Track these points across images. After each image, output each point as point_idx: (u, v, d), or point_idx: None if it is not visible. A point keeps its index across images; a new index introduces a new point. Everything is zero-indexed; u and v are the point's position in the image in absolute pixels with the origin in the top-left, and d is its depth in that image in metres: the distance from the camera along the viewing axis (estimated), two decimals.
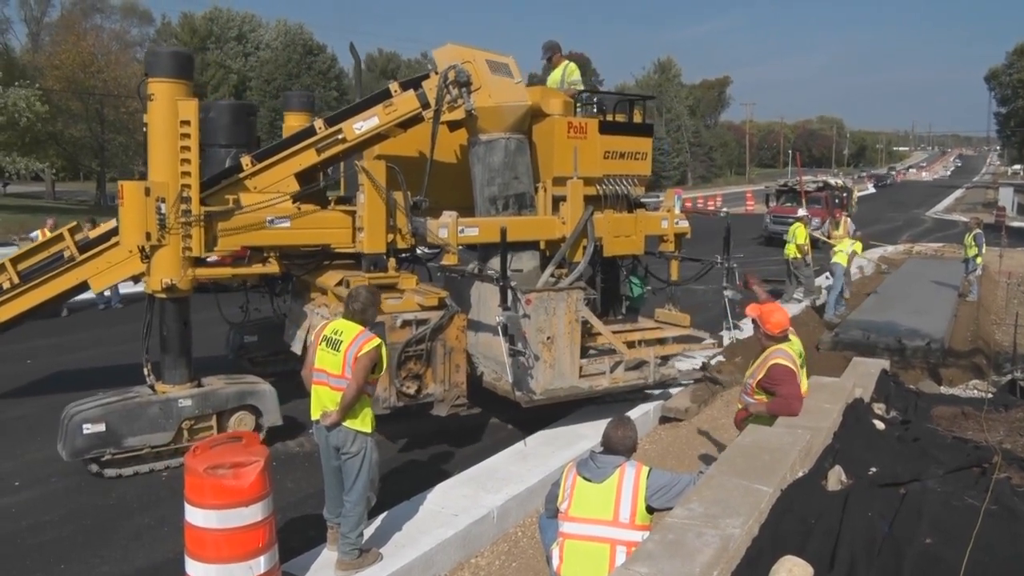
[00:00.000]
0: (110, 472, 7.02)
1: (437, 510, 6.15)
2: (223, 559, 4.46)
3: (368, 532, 5.69)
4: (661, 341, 9.01)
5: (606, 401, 8.98)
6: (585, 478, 4.34)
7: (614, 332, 8.54)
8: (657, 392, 9.38)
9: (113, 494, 6.80)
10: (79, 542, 5.99)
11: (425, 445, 8.03)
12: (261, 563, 4.53)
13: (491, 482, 6.73)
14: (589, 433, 7.92)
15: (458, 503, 6.29)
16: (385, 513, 6.06)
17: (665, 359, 8.81)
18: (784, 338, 5.81)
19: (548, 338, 7.62)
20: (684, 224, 9.63)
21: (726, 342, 11.24)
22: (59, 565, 5.67)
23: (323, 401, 5.29)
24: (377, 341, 5.28)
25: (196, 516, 4.48)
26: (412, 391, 6.95)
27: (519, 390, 7.57)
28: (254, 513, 4.50)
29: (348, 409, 5.16)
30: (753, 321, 5.92)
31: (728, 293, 9.56)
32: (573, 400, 8.24)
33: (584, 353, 8.16)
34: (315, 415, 5.34)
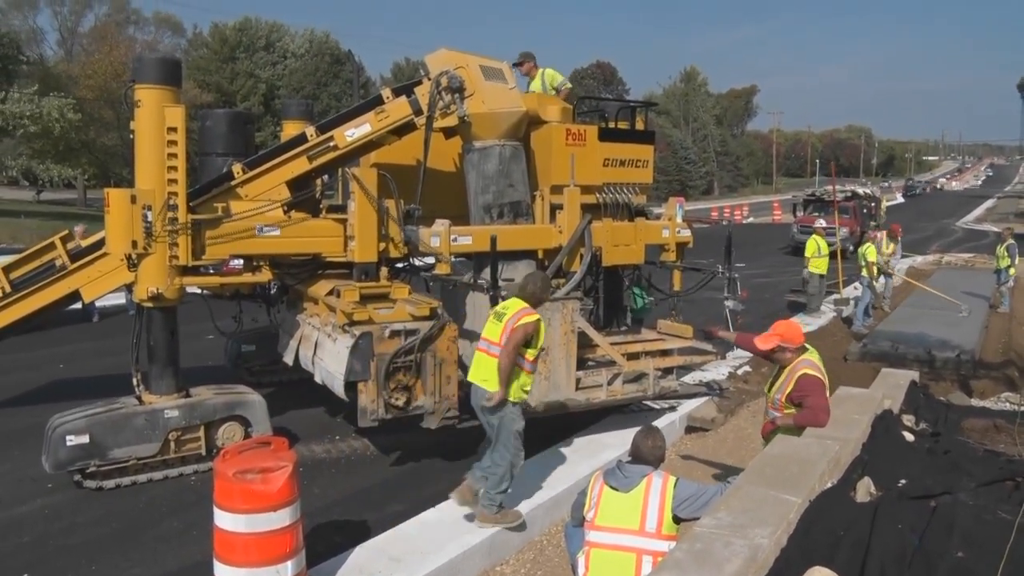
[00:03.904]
0: (89, 484, 6.87)
1: (463, 517, 6.15)
2: (251, 563, 4.50)
3: (394, 539, 5.73)
4: (664, 353, 8.79)
5: (632, 410, 8.95)
6: (612, 487, 4.33)
7: (614, 344, 8.36)
8: (684, 401, 9.32)
9: (143, 497, 6.88)
10: (109, 544, 6.06)
11: (452, 453, 8.03)
12: (288, 567, 4.57)
13: (517, 490, 6.70)
14: (614, 442, 7.89)
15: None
16: (412, 519, 6.09)
17: (666, 371, 8.61)
18: (805, 348, 5.74)
19: (543, 349, 7.48)
20: (686, 233, 9.42)
21: (729, 353, 11.10)
22: (90, 567, 5.74)
23: (479, 365, 5.96)
24: (536, 316, 5.90)
25: (225, 520, 4.52)
26: (401, 403, 6.82)
27: None
28: (282, 518, 4.54)
29: (505, 377, 5.74)
30: (777, 348, 5.71)
31: (729, 303, 9.44)
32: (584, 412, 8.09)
33: (582, 365, 7.99)
34: (471, 377, 6.04)
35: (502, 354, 5.74)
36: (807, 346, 5.79)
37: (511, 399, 5.87)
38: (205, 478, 6.93)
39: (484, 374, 5.91)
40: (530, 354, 5.92)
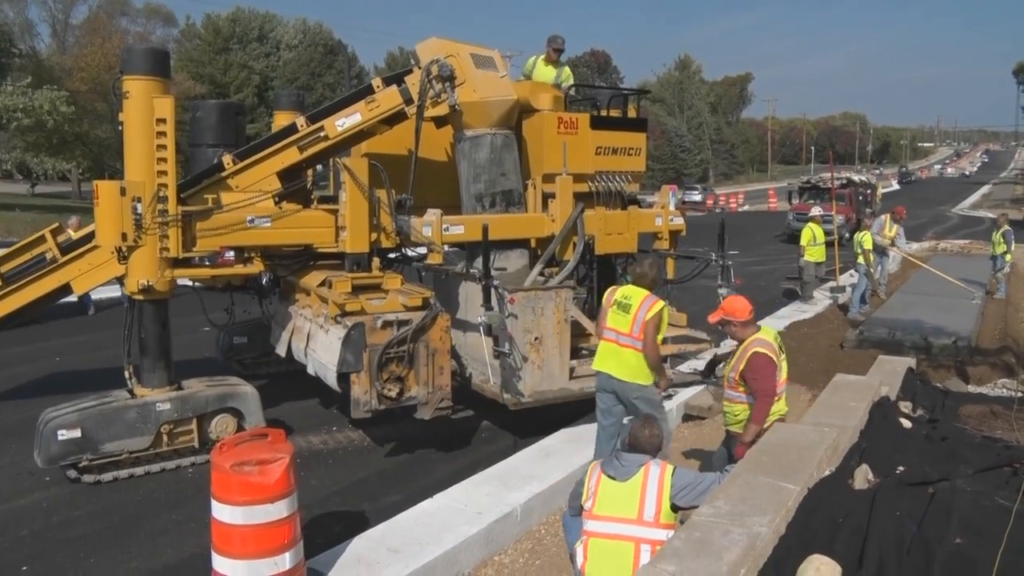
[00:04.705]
0: (88, 478, 6.85)
1: (460, 508, 6.15)
2: (249, 555, 4.49)
3: (392, 529, 5.73)
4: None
5: None
6: (609, 476, 4.33)
7: None
8: (680, 390, 9.31)
9: (140, 490, 6.87)
10: (107, 537, 6.06)
11: (448, 443, 8.04)
12: (287, 559, 4.56)
13: (514, 480, 6.72)
14: None
15: (482, 501, 6.29)
16: (409, 510, 6.08)
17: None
18: (757, 326, 5.75)
19: (536, 339, 7.40)
20: (679, 221, 9.39)
21: (722, 342, 11.09)
22: (88, 560, 5.73)
23: (609, 355, 6.31)
24: (661, 304, 6.27)
25: (222, 512, 4.51)
26: (394, 394, 6.81)
27: (507, 392, 7.40)
28: (280, 509, 4.52)
29: (657, 368, 6.29)
30: (722, 322, 5.82)
31: (723, 291, 9.42)
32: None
33: (576, 354, 7.93)
34: (598, 366, 6.48)
35: (647, 349, 6.16)
36: (759, 325, 5.82)
37: (646, 383, 6.31)
38: (203, 470, 6.91)
39: (614, 363, 6.32)
40: (659, 339, 6.33)
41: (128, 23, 48.64)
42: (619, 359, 6.29)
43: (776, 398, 5.55)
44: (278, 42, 56.43)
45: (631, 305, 6.25)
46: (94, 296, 13.65)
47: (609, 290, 6.69)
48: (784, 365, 5.71)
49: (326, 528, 6.07)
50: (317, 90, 50.43)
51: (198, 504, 6.13)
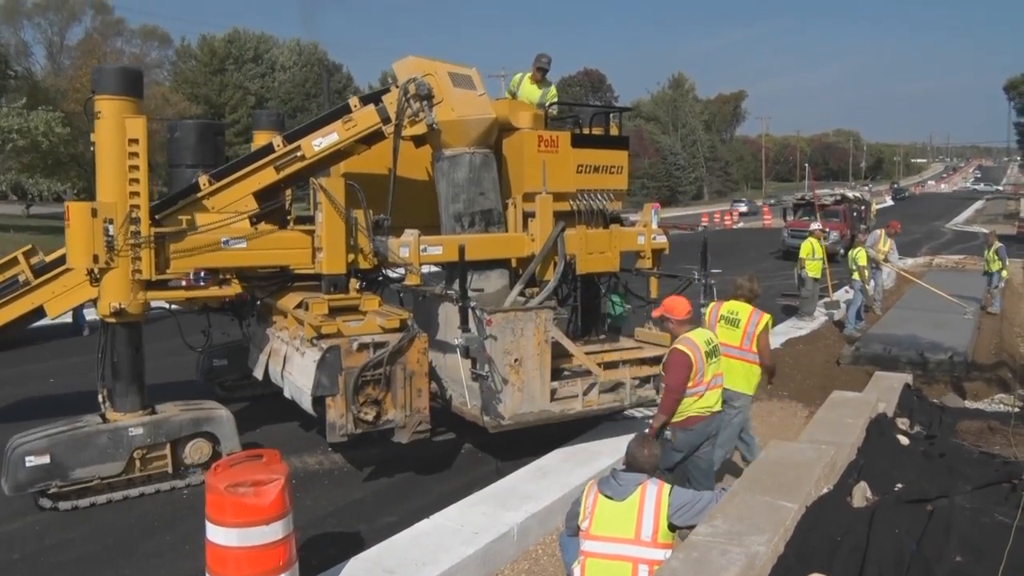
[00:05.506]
0: (46, 504, 6.69)
1: (457, 528, 6.12)
2: None
3: (388, 551, 5.69)
4: (642, 361, 8.44)
5: (624, 418, 8.91)
6: (606, 496, 4.31)
7: (590, 353, 8.15)
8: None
9: (135, 512, 6.81)
10: (101, 560, 6.00)
11: (444, 463, 8.00)
12: None
13: (511, 500, 6.68)
14: (607, 450, 7.85)
15: (478, 521, 6.25)
16: (405, 531, 6.04)
17: (644, 380, 8.36)
18: (692, 323, 6.07)
19: (516, 360, 7.26)
20: (662, 240, 9.23)
21: None
22: None
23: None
24: (768, 316, 6.88)
25: (217, 534, 4.48)
26: (370, 417, 6.70)
27: (487, 415, 7.29)
28: (275, 531, 4.49)
29: (769, 371, 6.94)
30: (662, 318, 6.19)
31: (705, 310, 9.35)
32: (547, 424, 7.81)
33: (559, 375, 7.81)
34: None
35: (765, 357, 6.82)
36: (698, 327, 6.17)
37: (749, 393, 6.89)
38: (198, 492, 6.86)
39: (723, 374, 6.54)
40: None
41: (123, 44, 48.98)
42: (728, 370, 6.55)
43: (696, 396, 5.89)
44: (273, 63, 56.69)
45: (739, 320, 6.83)
46: (89, 316, 13.60)
47: (713, 304, 7.25)
48: (712, 367, 5.97)
49: (321, 550, 6.02)
50: (312, 111, 50.62)
51: (193, 525, 6.08)
